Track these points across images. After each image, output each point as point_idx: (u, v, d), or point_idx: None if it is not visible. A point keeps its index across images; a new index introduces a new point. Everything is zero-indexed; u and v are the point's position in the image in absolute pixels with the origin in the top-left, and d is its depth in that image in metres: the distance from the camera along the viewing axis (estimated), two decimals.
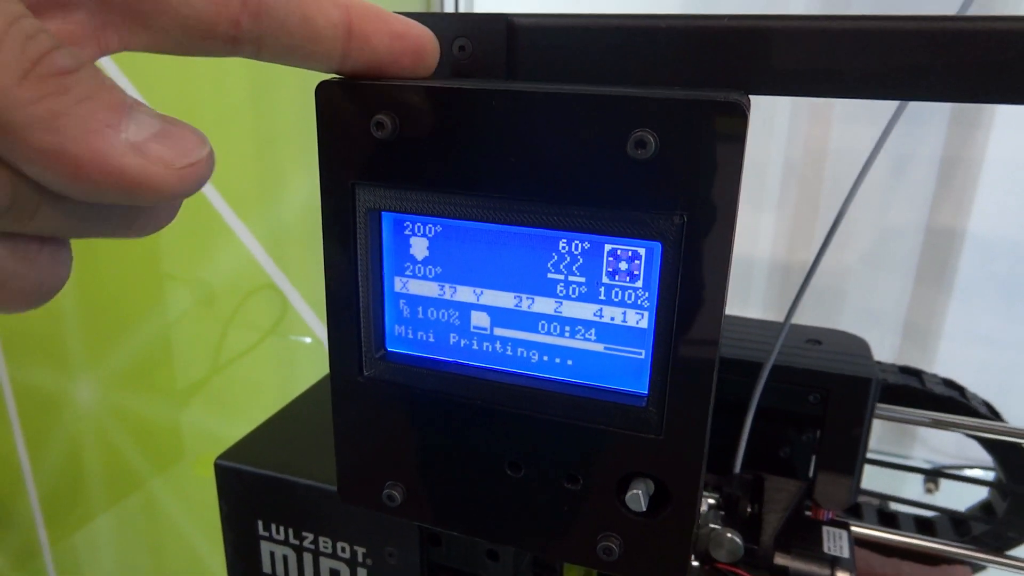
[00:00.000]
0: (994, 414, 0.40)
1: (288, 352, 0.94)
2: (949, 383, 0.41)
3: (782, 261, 0.69)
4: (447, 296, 0.18)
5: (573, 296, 0.17)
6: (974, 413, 0.39)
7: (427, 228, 0.18)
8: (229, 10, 0.14)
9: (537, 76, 0.19)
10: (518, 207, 0.17)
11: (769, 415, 0.35)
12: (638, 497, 0.17)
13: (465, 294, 0.18)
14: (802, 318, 0.69)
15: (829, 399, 0.34)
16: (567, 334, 0.18)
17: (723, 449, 0.34)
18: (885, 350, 0.68)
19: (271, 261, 0.88)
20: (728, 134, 0.15)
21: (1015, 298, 0.62)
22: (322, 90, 0.17)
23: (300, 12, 0.15)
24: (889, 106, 0.21)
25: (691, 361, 0.16)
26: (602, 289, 0.17)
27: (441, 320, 0.19)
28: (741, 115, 0.14)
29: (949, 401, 0.40)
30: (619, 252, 0.17)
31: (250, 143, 0.84)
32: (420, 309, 0.19)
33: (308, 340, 0.94)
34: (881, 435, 0.68)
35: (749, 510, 0.34)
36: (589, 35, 0.18)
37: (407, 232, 0.18)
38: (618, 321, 0.17)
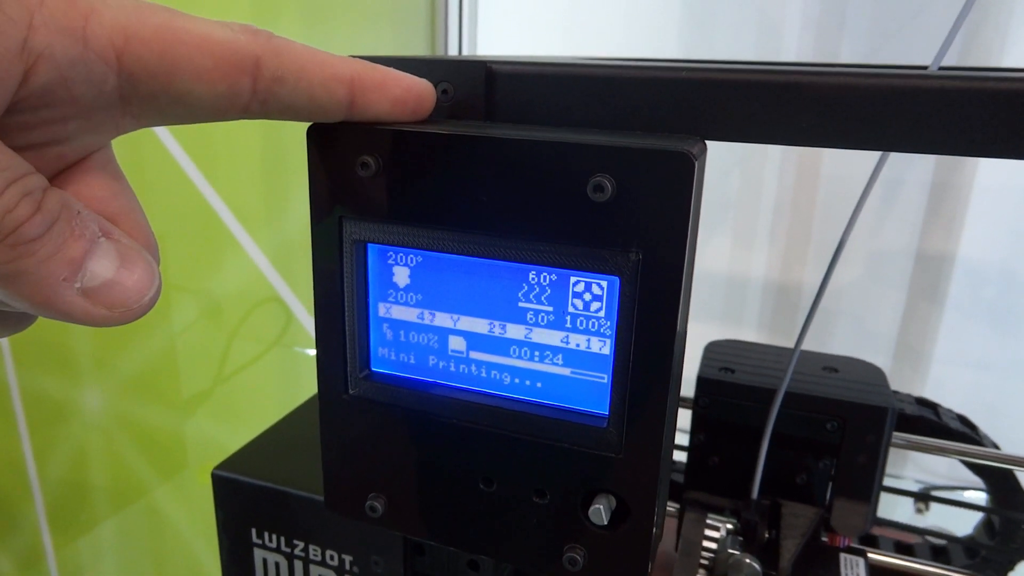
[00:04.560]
0: (996, 448, 0.41)
1: (292, 363, 0.95)
2: (964, 420, 0.42)
3: (776, 282, 0.71)
4: (427, 321, 0.20)
5: (542, 324, 0.19)
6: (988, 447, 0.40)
7: (409, 258, 0.19)
8: (240, 100, 0.16)
9: (513, 117, 0.20)
10: (491, 242, 0.18)
11: (787, 442, 0.35)
12: (600, 511, 0.19)
13: (443, 320, 0.20)
14: (795, 338, 0.70)
15: (846, 427, 0.34)
16: (536, 359, 0.19)
17: (741, 475, 0.35)
18: None
19: (276, 274, 0.89)
20: (677, 180, 0.16)
21: (1004, 323, 0.63)
22: (313, 132, 0.19)
23: (307, 95, 0.16)
24: None
25: (647, 385, 0.18)
26: (568, 318, 0.18)
27: (421, 343, 0.20)
28: (689, 163, 0.16)
29: (962, 436, 0.40)
30: (583, 284, 0.18)
31: (258, 160, 0.86)
32: (402, 333, 0.20)
33: (312, 352, 0.95)
34: None
35: (767, 536, 0.35)
36: (560, 82, 0.19)
37: (390, 262, 0.20)
38: (583, 347, 0.18)
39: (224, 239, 0.91)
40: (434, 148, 0.18)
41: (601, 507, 0.19)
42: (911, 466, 0.67)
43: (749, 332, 0.73)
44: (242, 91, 0.16)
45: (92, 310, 0.15)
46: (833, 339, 0.69)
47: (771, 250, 0.69)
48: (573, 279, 0.18)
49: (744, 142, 0.19)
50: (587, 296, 0.18)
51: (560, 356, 0.19)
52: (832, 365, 0.37)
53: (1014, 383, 0.64)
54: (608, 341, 0.18)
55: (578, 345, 0.19)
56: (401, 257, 0.20)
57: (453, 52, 0.78)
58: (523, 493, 0.20)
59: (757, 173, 0.66)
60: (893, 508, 0.49)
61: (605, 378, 0.18)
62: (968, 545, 0.40)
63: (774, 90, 0.17)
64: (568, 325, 0.18)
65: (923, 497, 0.53)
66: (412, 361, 0.20)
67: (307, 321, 0.92)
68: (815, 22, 0.62)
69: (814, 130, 0.18)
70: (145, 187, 0.90)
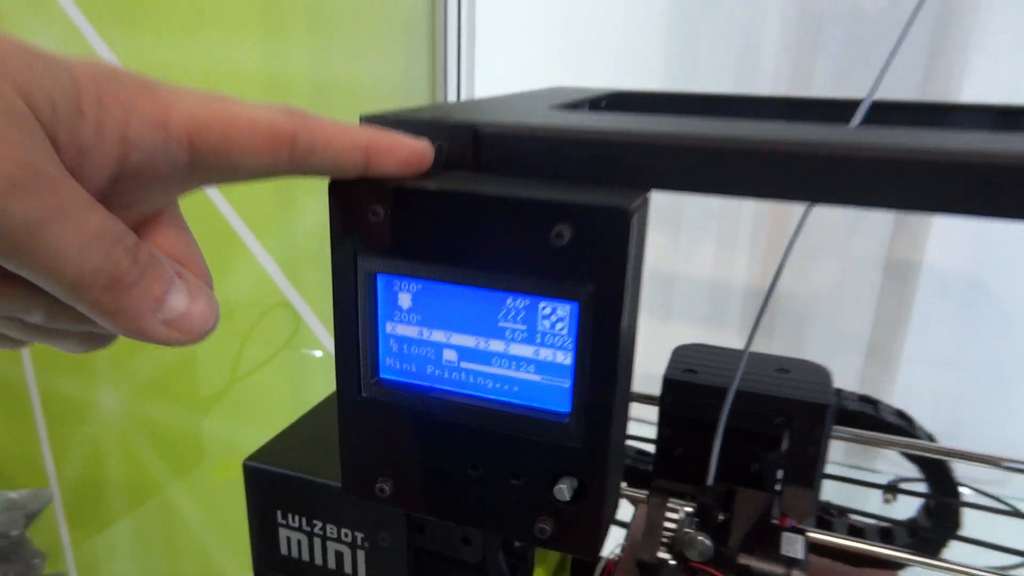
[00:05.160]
0: (931, 439, 0.46)
1: (300, 364, 1.00)
2: (901, 414, 0.46)
3: (756, 287, 0.75)
4: (425, 337, 0.24)
5: (517, 340, 0.23)
6: (922, 439, 0.44)
7: (410, 286, 0.24)
8: (280, 166, 0.20)
9: (496, 168, 0.25)
10: (475, 274, 0.23)
11: (741, 435, 0.39)
12: (563, 491, 0.23)
13: (438, 336, 0.24)
14: (774, 342, 0.74)
15: (792, 422, 0.38)
16: (513, 368, 0.24)
17: (701, 464, 0.39)
18: (850, 373, 0.73)
19: (286, 280, 0.94)
20: (618, 229, 0.21)
21: (967, 327, 0.67)
22: (333, 186, 0.23)
23: (332, 161, 0.21)
24: None
25: (599, 389, 0.22)
26: (538, 335, 0.23)
27: (420, 355, 0.25)
28: (627, 217, 0.20)
29: (899, 429, 0.45)
30: (549, 308, 0.23)
31: None
32: (405, 346, 0.25)
33: (319, 354, 1.00)
34: (850, 450, 0.73)
35: (721, 517, 0.39)
36: (533, 140, 0.24)
37: (395, 289, 0.24)
38: (549, 359, 0.23)
39: (236, 247, 0.96)
40: (427, 200, 0.22)
41: (564, 487, 0.23)
42: (881, 461, 0.71)
43: (731, 333, 0.77)
44: (281, 160, 0.20)
45: (170, 335, 0.19)
46: (808, 342, 0.74)
47: (751, 257, 0.74)
48: (541, 304, 0.23)
49: (684, 192, 0.23)
50: (553, 318, 0.23)
51: (532, 366, 0.23)
52: (784, 367, 0.42)
53: (976, 381, 0.69)
54: (570, 353, 0.23)
55: (546, 357, 0.23)
56: (404, 285, 0.24)
57: (452, 60, 0.82)
58: (503, 476, 0.24)
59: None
60: (865, 499, 0.53)
61: (567, 383, 0.23)
62: (910, 527, 0.45)
63: (708, 152, 0.22)
64: (538, 341, 0.23)
65: (890, 488, 0.58)
66: (413, 369, 0.25)
67: (315, 324, 0.97)
68: (792, 46, 0.67)
69: (741, 184, 0.22)
70: None
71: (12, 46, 0.17)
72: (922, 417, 0.74)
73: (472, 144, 0.25)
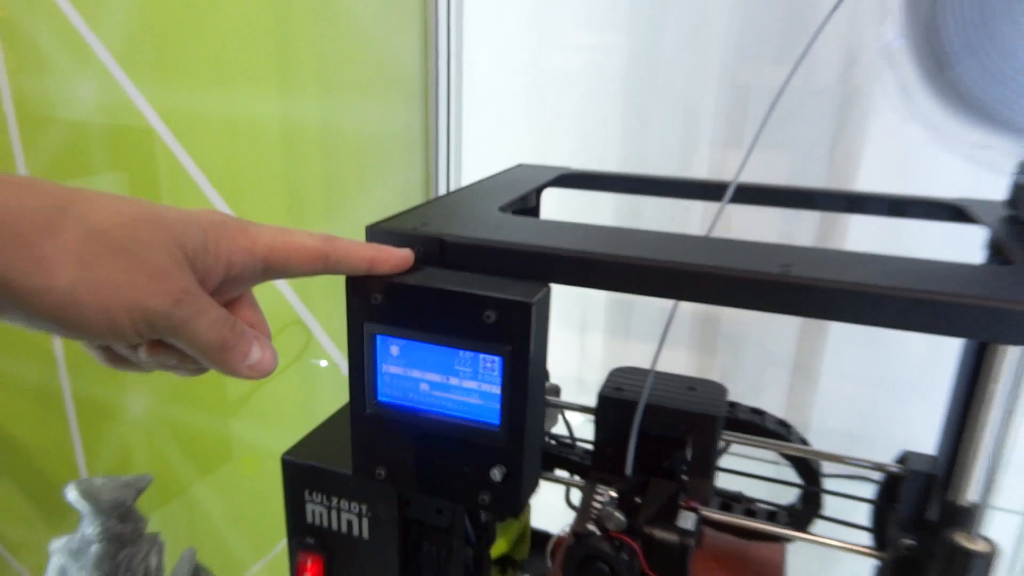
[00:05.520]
0: (804, 443, 0.58)
1: (311, 373, 1.13)
2: (782, 422, 0.59)
3: (702, 313, 0.88)
4: (408, 374, 0.38)
5: (466, 377, 0.36)
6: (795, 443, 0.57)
7: (398, 342, 0.37)
8: (317, 272, 0.33)
9: (456, 265, 0.38)
10: (438, 336, 0.36)
11: (655, 439, 0.51)
12: (496, 474, 0.36)
13: (416, 374, 0.37)
14: (717, 359, 0.87)
15: (692, 429, 0.51)
16: (464, 395, 0.37)
17: (622, 459, 0.52)
18: (779, 386, 0.86)
19: (300, 302, 1.07)
20: (524, 314, 0.34)
21: (873, 348, 0.80)
22: (349, 280, 0.37)
23: (350, 268, 0.34)
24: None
25: (517, 409, 0.35)
26: (479, 375, 0.36)
27: (405, 386, 0.38)
28: (528, 307, 0.34)
29: (778, 435, 0.58)
30: (486, 359, 0.36)
31: (283, 203, 1.03)
32: (395, 381, 0.38)
33: (324, 363, 1.13)
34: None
35: (637, 500, 0.52)
36: (479, 249, 0.37)
37: (388, 344, 0.37)
38: (486, 390, 0.36)
39: None
40: (407, 291, 0.36)
41: (496, 472, 0.36)
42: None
43: (680, 351, 0.90)
44: (318, 269, 0.34)
45: (251, 375, 0.32)
46: (745, 359, 0.87)
47: None
48: (481, 356, 0.36)
49: (575, 286, 0.36)
50: (488, 364, 0.36)
51: (475, 395, 0.37)
52: (693, 386, 0.55)
53: (880, 392, 0.82)
54: (498, 387, 0.36)
55: (484, 389, 0.36)
56: (394, 342, 0.37)
57: (443, 112, 0.95)
58: (458, 465, 0.37)
59: (683, 227, 0.84)
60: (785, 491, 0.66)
61: (497, 406, 0.36)
62: (790, 510, 0.58)
63: (586, 262, 0.35)
64: (479, 378, 0.36)
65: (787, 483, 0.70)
66: (400, 395, 0.38)
67: (323, 339, 1.10)
68: (725, 112, 0.80)
69: (611, 284, 0.35)
70: None
71: (170, 212, 0.30)
72: (837, 422, 0.87)
73: (439, 248, 0.38)
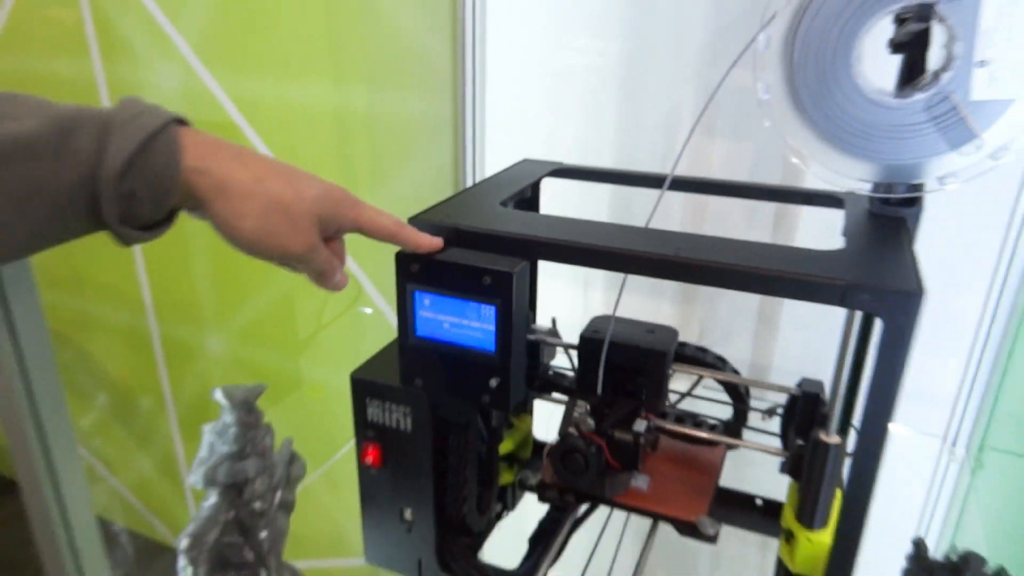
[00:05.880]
0: (736, 372, 0.77)
1: (359, 319, 1.34)
2: (720, 358, 0.77)
3: None
4: (435, 318, 0.57)
5: (474, 319, 0.56)
6: (728, 373, 0.76)
7: (429, 296, 0.57)
8: (386, 240, 0.53)
9: (468, 245, 0.57)
10: (456, 292, 0.55)
11: (621, 368, 0.68)
12: (493, 382, 0.56)
13: (441, 317, 0.57)
14: (696, 309, 1.06)
15: (647, 361, 0.69)
16: (472, 332, 0.56)
17: (596, 383, 0.71)
18: (745, 336, 1.04)
19: (352, 260, 1.27)
20: (506, 279, 0.53)
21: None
22: (398, 255, 0.56)
23: (405, 246, 0.54)
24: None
25: (505, 339, 0.55)
26: (481, 318, 0.56)
27: (434, 324, 0.58)
28: (509, 275, 0.53)
29: (716, 367, 0.76)
30: (485, 307, 0.55)
31: (335, 177, 1.23)
32: (427, 322, 0.58)
33: (370, 311, 1.33)
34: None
35: (606, 412, 0.71)
36: (481, 235, 0.56)
37: (423, 297, 0.57)
38: (486, 328, 0.56)
39: None
40: (434, 263, 0.55)
41: (493, 381, 0.56)
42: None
43: (666, 302, 1.08)
44: (388, 240, 0.53)
45: (333, 290, 0.53)
46: (719, 311, 1.04)
47: None
48: (482, 306, 0.55)
49: (551, 262, 0.55)
50: (487, 311, 0.55)
51: (479, 331, 0.56)
52: (652, 329, 0.73)
53: (830, 339, 0.99)
54: (493, 326, 0.55)
55: (485, 327, 0.56)
56: (426, 295, 0.57)
57: (469, 102, 1.12)
58: (469, 375, 0.57)
59: (666, 211, 1.01)
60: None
61: (493, 338, 0.56)
62: (726, 424, 0.76)
63: (557, 247, 0.54)
64: (481, 320, 0.56)
65: (769, 412, 0.89)
66: (430, 331, 0.58)
67: (371, 290, 1.30)
68: (701, 109, 0.96)
69: (578, 261, 0.54)
70: None
71: (313, 189, 0.49)
72: (793, 363, 1.05)
73: (456, 235, 0.57)
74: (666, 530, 0.73)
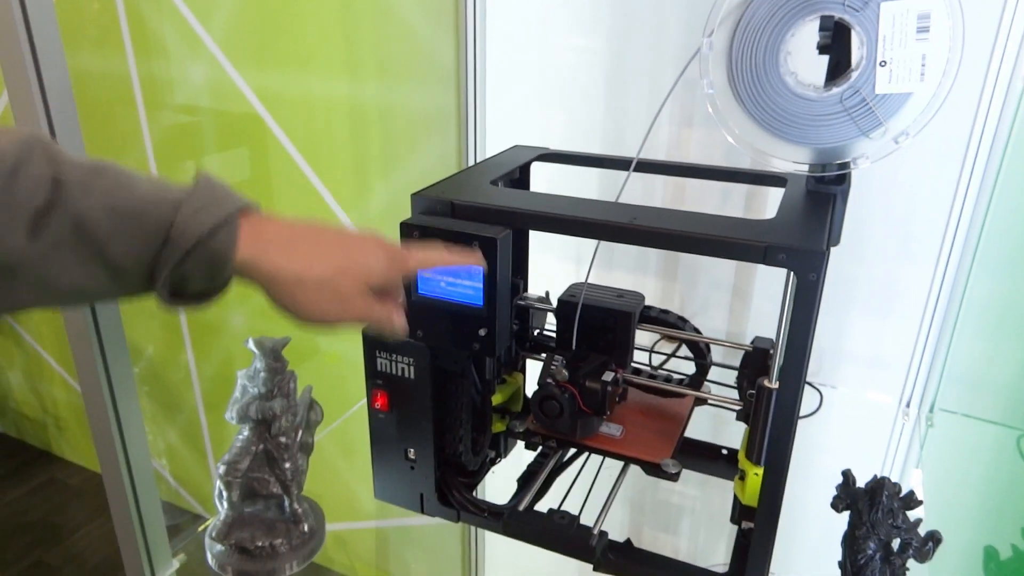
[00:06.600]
0: (697, 331, 0.87)
1: None
2: (682, 318, 0.88)
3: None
4: (434, 277, 0.68)
5: (465, 278, 0.67)
6: (688, 332, 0.86)
7: None
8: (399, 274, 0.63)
9: (461, 217, 0.67)
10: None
11: (594, 327, 0.80)
12: (481, 332, 0.67)
13: (438, 277, 0.68)
14: (678, 284, 1.17)
15: (615, 321, 0.81)
16: (465, 289, 0.67)
17: (571, 340, 0.82)
18: (722, 307, 1.14)
19: None
20: (493, 245, 0.63)
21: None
22: (402, 225, 0.67)
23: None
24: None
25: (491, 296, 0.65)
26: (472, 277, 0.66)
27: (433, 283, 0.68)
28: (494, 241, 0.63)
29: (677, 327, 0.86)
30: (476, 271, 0.66)
31: (350, 163, 1.33)
32: (427, 281, 0.68)
33: None
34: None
35: (579, 365, 0.82)
36: (472, 208, 0.67)
37: None
38: (476, 286, 0.66)
39: (326, 213, 1.40)
40: (432, 231, 0.66)
41: (482, 332, 0.67)
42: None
43: (651, 278, 1.18)
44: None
45: (384, 322, 0.62)
46: (697, 284, 1.15)
47: None
48: (472, 269, 0.66)
49: (531, 230, 0.65)
50: (476, 271, 0.66)
51: (470, 288, 0.67)
52: (622, 294, 0.84)
53: None
54: (481, 284, 0.66)
55: (475, 285, 0.66)
56: None
57: (471, 95, 1.22)
58: (462, 327, 0.68)
59: (650, 192, 1.11)
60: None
61: (481, 295, 0.66)
62: (691, 377, 0.87)
63: (538, 217, 0.64)
64: (472, 279, 0.66)
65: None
66: (430, 289, 0.69)
67: None
68: (679, 99, 1.06)
69: (555, 230, 0.65)
70: (275, 181, 1.40)
71: (359, 254, 0.58)
72: (766, 330, 1.14)
73: (451, 207, 0.68)
74: (655, 487, 0.83)
